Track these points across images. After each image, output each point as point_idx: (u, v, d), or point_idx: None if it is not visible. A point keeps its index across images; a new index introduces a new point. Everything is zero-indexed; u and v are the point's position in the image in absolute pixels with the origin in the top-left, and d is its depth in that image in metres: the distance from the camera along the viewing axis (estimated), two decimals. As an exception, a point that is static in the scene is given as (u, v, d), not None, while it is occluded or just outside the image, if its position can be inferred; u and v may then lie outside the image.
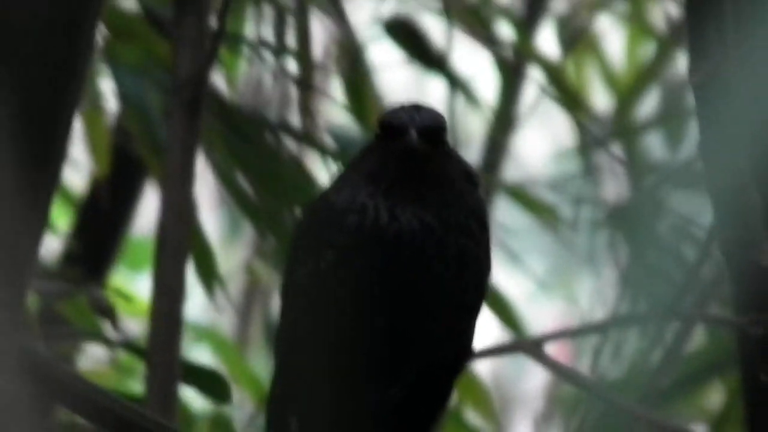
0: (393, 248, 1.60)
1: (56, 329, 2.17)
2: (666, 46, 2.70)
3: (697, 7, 1.67)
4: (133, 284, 2.79)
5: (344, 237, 1.61)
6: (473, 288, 1.63)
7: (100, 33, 2.23)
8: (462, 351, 1.65)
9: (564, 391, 2.46)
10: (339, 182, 1.67)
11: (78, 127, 2.34)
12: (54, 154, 1.69)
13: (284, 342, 1.66)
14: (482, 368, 2.52)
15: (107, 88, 2.34)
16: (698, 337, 2.35)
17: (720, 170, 1.70)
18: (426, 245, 1.60)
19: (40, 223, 1.70)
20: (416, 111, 1.63)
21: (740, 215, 1.73)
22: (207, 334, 2.48)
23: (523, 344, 1.94)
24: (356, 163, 1.65)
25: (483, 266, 1.64)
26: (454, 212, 1.61)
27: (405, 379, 1.63)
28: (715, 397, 2.34)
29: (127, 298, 2.26)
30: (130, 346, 2.14)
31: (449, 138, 1.65)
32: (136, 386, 2.19)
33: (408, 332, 1.61)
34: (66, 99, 1.69)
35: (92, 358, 2.33)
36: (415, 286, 1.60)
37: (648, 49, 2.76)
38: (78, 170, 2.54)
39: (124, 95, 2.28)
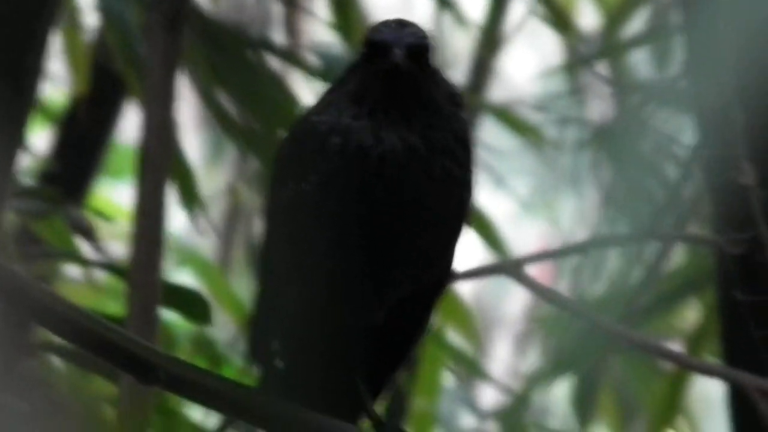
0: (377, 170, 1.59)
1: (34, 249, 2.16)
2: (654, -35, 2.67)
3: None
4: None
5: (327, 159, 1.60)
6: (456, 209, 1.63)
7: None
8: (444, 270, 1.65)
9: (545, 312, 2.47)
10: (323, 103, 1.65)
11: (57, 44, 2.32)
12: (28, 70, 1.67)
13: (267, 264, 1.66)
14: (464, 289, 2.53)
15: (86, 3, 2.31)
16: (678, 256, 2.35)
17: (705, 89, 1.69)
18: (410, 167, 1.59)
19: (16, 139, 1.68)
20: (401, 28, 1.60)
21: (722, 134, 1.72)
22: (189, 256, 2.47)
23: (505, 265, 1.95)
24: (340, 82, 1.63)
25: (466, 188, 1.63)
26: (439, 134, 1.60)
27: (388, 299, 1.63)
28: (693, 315, 2.35)
29: (107, 217, 2.25)
30: (109, 266, 2.13)
31: (435, 57, 1.63)
32: (117, 307, 2.19)
33: (391, 253, 1.61)
34: (41, 13, 1.67)
35: (71, 278, 2.33)
36: (399, 207, 1.60)
37: (636, -33, 2.72)
38: (57, 87, 2.52)
39: (103, 10, 2.25)
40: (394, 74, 1.59)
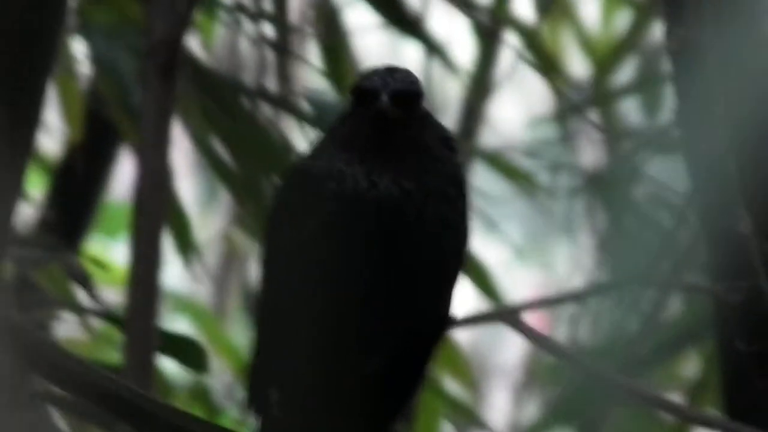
0: (373, 215, 1.59)
1: (32, 297, 2.15)
2: (643, 13, 2.69)
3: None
4: (110, 251, 2.77)
5: (324, 204, 1.60)
6: (452, 255, 1.63)
7: (73, -4, 2.21)
8: (441, 318, 1.65)
9: (542, 360, 2.47)
10: (317, 149, 1.65)
11: (52, 93, 2.32)
12: (27, 120, 1.67)
13: (264, 312, 1.65)
14: (460, 337, 2.53)
15: (81, 52, 2.32)
16: (675, 305, 2.35)
17: (697, 137, 1.70)
18: (405, 211, 1.59)
19: (15, 189, 1.68)
20: (390, 75, 1.61)
21: (716, 182, 1.73)
22: (185, 304, 2.47)
23: (502, 313, 1.94)
24: (333, 129, 1.64)
25: (461, 233, 1.64)
26: (433, 178, 1.61)
27: (385, 348, 1.63)
28: (693, 364, 2.35)
29: (103, 266, 2.25)
30: (106, 314, 2.13)
31: (425, 103, 1.64)
32: (114, 355, 2.19)
33: (388, 300, 1.61)
34: (39, 64, 1.68)
35: (68, 327, 2.32)
36: (395, 252, 1.60)
37: (624, 16, 2.75)
38: (52, 136, 2.52)
39: (97, 59, 2.26)
40: (381, 119, 1.59)
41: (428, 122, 1.63)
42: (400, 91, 1.59)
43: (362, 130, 1.60)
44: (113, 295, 2.39)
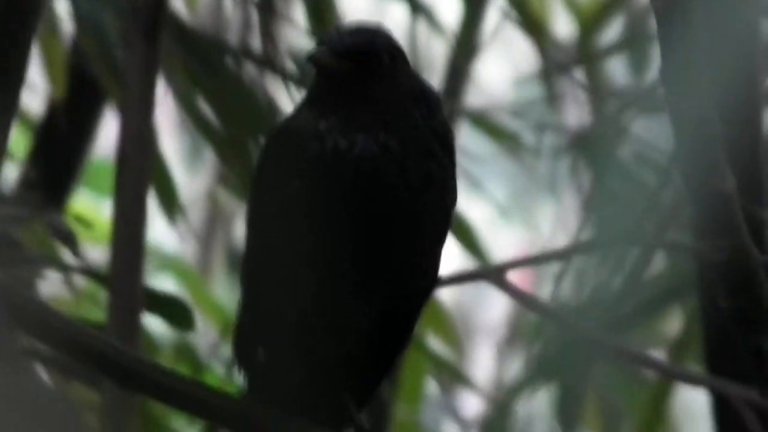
0: (354, 172, 1.59)
1: (15, 255, 2.15)
2: (628, -29, 2.68)
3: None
4: (98, 208, 2.76)
5: (304, 163, 1.60)
6: (438, 212, 1.63)
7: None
8: (428, 276, 1.65)
9: (526, 319, 2.48)
10: (297, 109, 1.65)
11: (35, 51, 2.30)
12: (11, 78, 1.66)
13: (250, 271, 1.65)
14: (444, 295, 2.53)
15: (64, 10, 2.30)
16: (659, 263, 2.36)
17: (682, 95, 1.70)
18: (386, 167, 1.59)
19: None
20: (349, 31, 1.60)
21: (701, 140, 1.73)
22: (170, 262, 2.47)
23: (487, 272, 1.95)
24: (310, 88, 1.64)
25: (448, 191, 1.63)
26: (411, 133, 1.60)
27: (372, 306, 1.63)
28: (675, 322, 2.36)
29: (87, 224, 2.24)
30: (90, 272, 2.12)
31: (411, 63, 1.63)
32: (98, 314, 2.19)
33: (374, 259, 1.61)
34: (23, 23, 1.66)
35: (52, 285, 2.32)
36: (379, 209, 1.60)
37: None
38: (36, 94, 2.51)
39: (81, 17, 2.25)
40: (325, 74, 1.58)
41: (402, 79, 1.61)
42: (350, 46, 1.57)
43: (324, 87, 1.59)
44: (99, 253, 2.39)
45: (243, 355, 1.66)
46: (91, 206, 2.76)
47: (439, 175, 1.62)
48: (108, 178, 2.02)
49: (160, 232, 2.50)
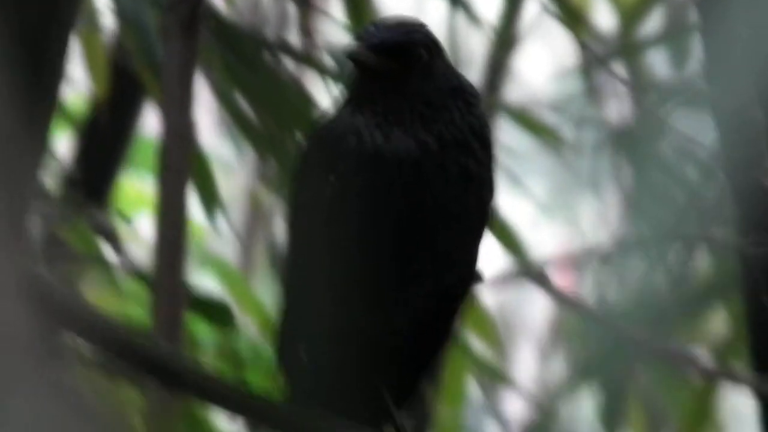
0: (392, 168, 1.58)
1: (58, 253, 2.16)
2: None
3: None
4: (142, 184, 2.75)
5: (345, 160, 1.60)
6: (476, 207, 1.62)
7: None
8: (467, 272, 1.64)
9: (568, 319, 2.46)
10: (338, 106, 1.65)
11: (76, 47, 2.31)
12: (50, 74, 1.67)
13: (291, 269, 1.65)
14: (486, 296, 2.52)
15: (104, 5, 2.31)
16: (702, 261, 2.34)
17: (724, 89, 1.68)
18: (424, 163, 1.58)
19: (39, 144, 1.68)
20: (385, 26, 1.59)
21: (744, 135, 1.71)
22: (211, 260, 2.47)
23: (528, 272, 1.93)
24: (349, 85, 1.63)
25: (486, 185, 1.62)
26: (448, 129, 1.59)
27: (411, 303, 1.62)
28: (720, 321, 2.33)
29: (128, 220, 2.25)
30: (132, 270, 2.13)
31: (448, 57, 1.62)
32: (140, 312, 2.19)
33: (412, 254, 1.61)
34: (61, 17, 1.67)
35: (96, 283, 2.32)
36: (416, 205, 1.59)
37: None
38: (77, 91, 2.52)
39: (120, 13, 2.25)
40: (361, 70, 1.57)
41: (439, 74, 1.60)
42: (387, 41, 1.57)
43: (360, 83, 1.59)
44: (142, 251, 2.39)
45: (285, 354, 1.66)
46: (138, 183, 2.75)
47: (476, 170, 1.61)
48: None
49: (200, 228, 2.50)
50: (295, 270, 1.66)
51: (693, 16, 2.37)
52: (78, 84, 2.39)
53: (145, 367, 1.53)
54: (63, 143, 2.60)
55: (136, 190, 2.62)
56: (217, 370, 1.55)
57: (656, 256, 2.11)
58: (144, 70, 2.24)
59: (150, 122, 2.53)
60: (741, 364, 2.23)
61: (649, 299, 2.07)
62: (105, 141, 2.54)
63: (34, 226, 2.10)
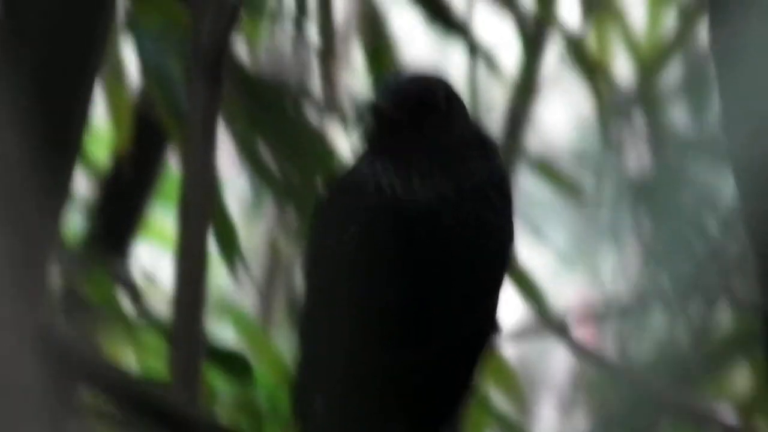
0: (410, 219, 1.59)
1: (78, 307, 2.17)
2: (689, 15, 2.67)
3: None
4: (169, 220, 2.77)
5: (364, 210, 1.61)
6: (495, 257, 1.62)
7: (121, 1, 2.22)
8: (486, 323, 1.64)
9: (590, 373, 2.44)
10: (358, 155, 1.66)
11: (99, 96, 2.33)
12: (74, 124, 1.68)
13: (308, 318, 1.66)
14: (507, 349, 2.51)
15: (129, 55, 2.33)
16: (724, 315, 2.33)
17: (742, 141, 1.68)
18: (443, 214, 1.59)
19: (62, 195, 1.69)
20: (404, 79, 1.61)
21: (763, 187, 1.71)
22: (230, 311, 2.48)
23: (549, 325, 1.93)
24: (369, 135, 1.65)
25: (505, 236, 1.63)
26: (467, 179, 1.60)
27: (430, 353, 1.62)
28: (744, 377, 2.31)
29: (151, 277, 2.26)
30: (152, 323, 2.14)
31: (467, 107, 1.64)
32: (159, 365, 2.19)
33: (431, 305, 1.61)
34: (86, 67, 1.69)
35: (114, 335, 2.33)
36: (435, 255, 1.60)
37: (670, 19, 2.73)
38: (100, 139, 2.53)
39: (145, 63, 2.27)
40: (381, 121, 1.59)
41: (458, 125, 1.62)
42: (407, 93, 1.59)
43: (380, 134, 1.60)
44: (161, 301, 2.40)
45: (301, 405, 1.66)
46: (164, 221, 2.76)
47: (495, 220, 1.62)
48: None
49: (220, 278, 2.51)
50: (311, 320, 1.66)
51: (712, 68, 2.38)
52: (101, 132, 2.41)
53: (161, 421, 1.53)
54: (84, 191, 2.61)
55: (162, 228, 2.63)
56: (234, 422, 1.55)
57: (677, 309, 2.10)
58: (168, 118, 2.26)
59: (173, 171, 2.54)
60: (765, 421, 2.21)
61: (671, 353, 2.06)
62: (127, 191, 2.55)
63: (53, 276, 2.11)
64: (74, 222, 2.50)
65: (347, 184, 1.64)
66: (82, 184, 2.63)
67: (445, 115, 1.61)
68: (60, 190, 1.71)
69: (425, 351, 1.63)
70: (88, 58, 1.68)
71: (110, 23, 1.66)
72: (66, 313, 2.08)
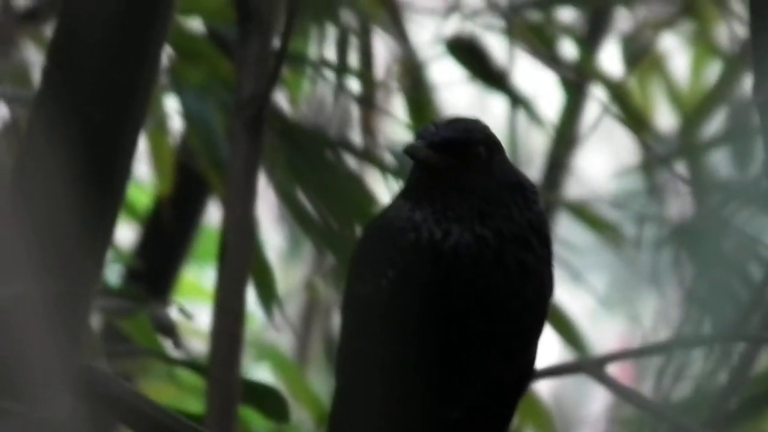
0: (450, 263, 1.59)
1: (119, 347, 2.19)
2: (732, 65, 2.67)
3: (762, 26, 1.65)
4: (204, 278, 2.79)
5: (403, 254, 1.61)
6: (534, 303, 1.62)
7: (166, 53, 2.26)
8: (525, 369, 1.63)
9: (627, 413, 2.43)
10: (395, 200, 1.67)
11: (143, 145, 2.37)
12: (118, 174, 1.71)
13: (345, 361, 1.66)
14: (543, 388, 2.50)
15: (172, 107, 2.37)
16: (764, 359, 2.30)
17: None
18: (482, 258, 1.59)
19: (105, 241, 1.72)
20: (445, 124, 1.62)
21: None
22: (267, 353, 2.48)
23: (586, 365, 1.92)
24: (408, 180, 1.66)
25: (545, 281, 1.63)
26: (506, 224, 1.60)
27: (466, 398, 1.62)
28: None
29: (190, 317, 2.28)
30: (190, 363, 2.15)
31: (507, 154, 1.64)
32: (197, 405, 2.20)
33: (469, 349, 1.60)
34: (130, 119, 1.72)
35: (154, 376, 2.34)
36: (475, 300, 1.60)
37: (714, 69, 2.73)
38: (142, 187, 2.57)
39: (188, 114, 2.31)
40: (422, 167, 1.60)
41: (498, 170, 1.62)
42: (446, 139, 1.60)
43: (420, 179, 1.60)
44: (198, 344, 2.41)
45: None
46: (197, 277, 2.79)
47: (534, 266, 1.62)
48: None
49: (258, 321, 2.52)
50: (348, 361, 1.66)
51: (755, 117, 2.38)
52: (143, 179, 2.44)
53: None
54: (126, 236, 2.64)
55: (197, 283, 2.65)
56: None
57: (718, 354, 2.08)
58: (209, 168, 2.29)
59: (213, 219, 2.57)
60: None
61: (711, 396, 2.04)
62: (167, 236, 2.58)
63: (95, 318, 2.13)
64: (116, 266, 2.53)
65: (386, 228, 1.65)
66: (125, 231, 2.66)
67: (485, 161, 1.62)
68: (103, 236, 1.73)
69: (463, 397, 1.62)
70: (133, 109, 1.71)
71: (155, 75, 1.69)
72: (107, 354, 2.09)
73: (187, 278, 2.68)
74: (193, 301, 2.37)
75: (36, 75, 2.25)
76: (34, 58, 2.39)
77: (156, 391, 2.27)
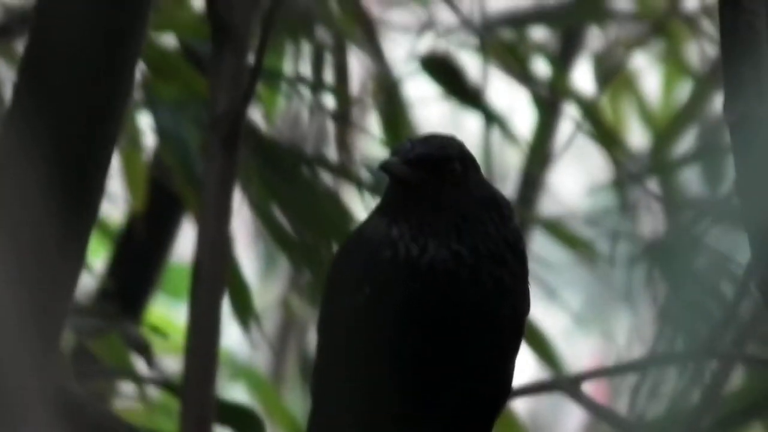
0: (427, 279, 1.59)
1: (90, 367, 2.17)
2: (703, 85, 2.69)
3: (732, 46, 1.67)
4: (174, 312, 2.79)
5: (380, 270, 1.61)
6: (510, 320, 1.62)
7: (140, 70, 2.25)
8: (501, 387, 1.64)
9: (602, 430, 2.44)
10: (370, 217, 1.67)
11: (116, 162, 2.36)
12: (91, 192, 1.70)
13: (320, 378, 1.66)
14: (519, 406, 2.50)
15: (146, 123, 2.36)
16: (737, 377, 2.32)
17: (756, 207, 1.69)
18: (458, 274, 1.59)
19: (78, 260, 1.71)
20: (420, 141, 1.63)
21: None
22: (242, 371, 2.47)
23: (561, 383, 1.93)
24: (384, 197, 1.66)
25: (521, 298, 1.63)
26: (482, 241, 1.61)
27: (442, 416, 1.62)
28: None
29: (163, 334, 2.27)
30: (163, 383, 2.14)
31: (482, 171, 1.65)
32: (170, 425, 2.19)
33: (445, 367, 1.61)
34: (104, 136, 1.71)
35: (126, 396, 2.33)
36: (450, 317, 1.60)
37: (684, 88, 2.75)
38: (115, 204, 2.56)
39: (162, 130, 2.30)
40: (398, 183, 1.60)
41: (473, 187, 1.63)
42: (422, 155, 1.60)
43: (396, 195, 1.61)
44: (173, 363, 2.40)
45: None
46: (167, 312, 2.78)
47: (510, 283, 1.62)
48: (184, 283, 2.05)
49: (233, 339, 2.52)
50: (324, 377, 1.66)
51: (725, 135, 2.40)
52: (115, 197, 2.43)
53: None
54: (98, 255, 2.63)
55: (167, 318, 2.64)
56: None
57: (691, 371, 2.09)
58: (183, 185, 2.28)
59: (187, 238, 2.56)
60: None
61: (684, 414, 2.05)
62: (140, 255, 2.57)
63: (66, 338, 2.11)
64: (87, 283, 2.52)
65: (362, 244, 1.65)
66: (96, 247, 2.64)
67: (460, 177, 1.62)
68: (76, 255, 1.72)
69: (439, 414, 1.62)
70: (106, 126, 1.70)
71: (128, 91, 1.69)
72: (78, 374, 2.08)
73: (157, 314, 2.67)
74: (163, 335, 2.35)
75: (7, 91, 2.24)
76: (4, 74, 2.38)
77: (128, 412, 2.26)
